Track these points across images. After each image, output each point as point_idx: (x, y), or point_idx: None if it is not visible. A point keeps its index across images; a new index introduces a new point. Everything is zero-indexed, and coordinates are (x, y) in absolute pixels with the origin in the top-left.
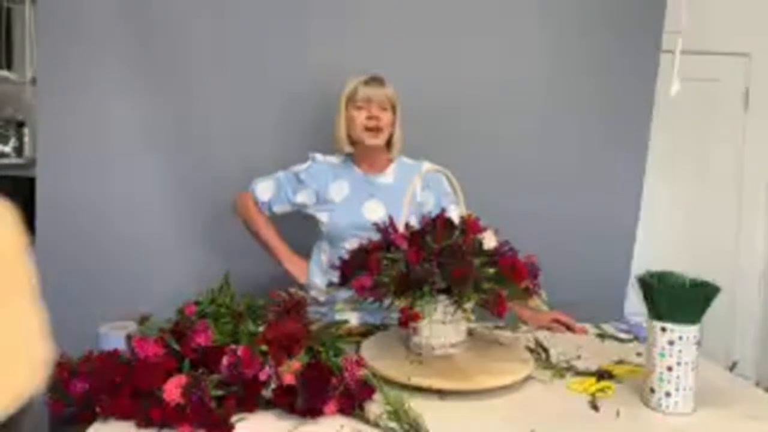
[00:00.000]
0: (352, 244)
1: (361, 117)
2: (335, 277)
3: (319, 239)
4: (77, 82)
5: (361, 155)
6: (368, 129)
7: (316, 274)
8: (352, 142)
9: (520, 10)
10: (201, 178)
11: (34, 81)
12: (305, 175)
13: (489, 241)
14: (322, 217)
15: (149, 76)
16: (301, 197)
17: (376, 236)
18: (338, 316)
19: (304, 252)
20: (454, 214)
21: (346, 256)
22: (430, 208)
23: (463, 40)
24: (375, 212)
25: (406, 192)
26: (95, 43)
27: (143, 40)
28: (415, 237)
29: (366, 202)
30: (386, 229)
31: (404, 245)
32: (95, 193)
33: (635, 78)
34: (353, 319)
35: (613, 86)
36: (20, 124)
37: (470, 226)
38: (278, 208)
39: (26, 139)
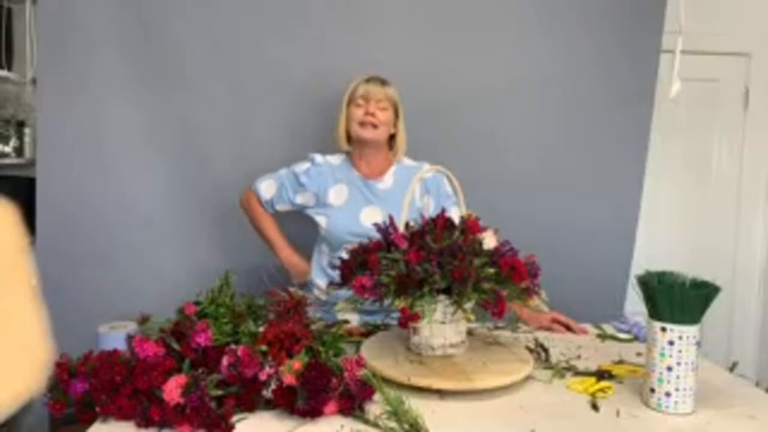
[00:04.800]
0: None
1: (358, 113)
2: (336, 276)
3: (319, 240)
4: (77, 82)
5: (359, 154)
6: (362, 123)
7: (318, 274)
8: (351, 139)
9: (521, 11)
10: (201, 178)
11: (34, 81)
12: (305, 178)
13: (489, 241)
14: (321, 221)
15: (149, 76)
16: (301, 199)
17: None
18: (339, 316)
19: (309, 249)
20: (455, 215)
21: (345, 256)
22: (430, 212)
23: (464, 41)
24: (373, 219)
25: (406, 194)
26: (95, 44)
27: (144, 40)
28: (415, 237)
29: (364, 209)
30: (386, 229)
31: (404, 245)
32: (95, 193)
33: (635, 78)
34: (354, 319)
35: (613, 86)
36: (20, 124)
37: (470, 226)
38: (280, 207)
39: (26, 139)
